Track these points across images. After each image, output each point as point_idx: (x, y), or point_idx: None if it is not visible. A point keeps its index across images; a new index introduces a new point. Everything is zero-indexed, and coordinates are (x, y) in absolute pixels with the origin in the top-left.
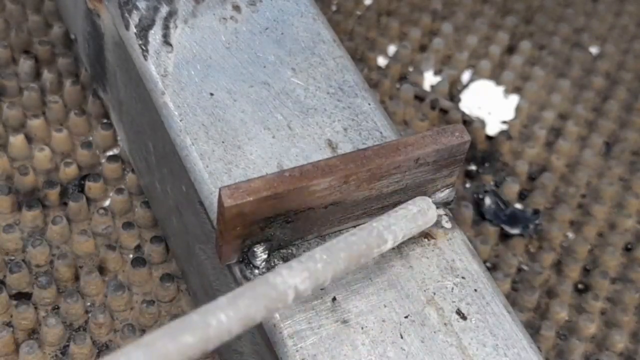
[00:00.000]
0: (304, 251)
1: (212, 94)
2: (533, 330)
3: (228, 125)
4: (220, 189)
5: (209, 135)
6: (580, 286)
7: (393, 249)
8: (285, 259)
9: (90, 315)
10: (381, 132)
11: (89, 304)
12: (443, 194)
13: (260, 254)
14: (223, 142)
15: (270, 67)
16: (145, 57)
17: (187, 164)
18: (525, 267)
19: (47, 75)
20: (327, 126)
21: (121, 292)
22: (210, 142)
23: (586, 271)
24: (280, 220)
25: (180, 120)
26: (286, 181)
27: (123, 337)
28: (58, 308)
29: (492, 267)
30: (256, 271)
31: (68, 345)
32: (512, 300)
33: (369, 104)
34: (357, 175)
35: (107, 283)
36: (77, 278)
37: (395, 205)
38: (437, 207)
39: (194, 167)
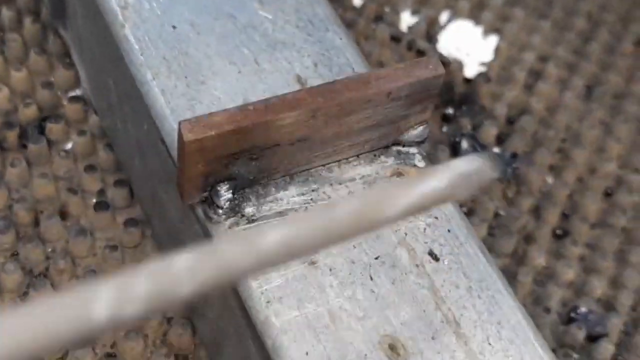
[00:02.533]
0: (272, 189)
1: (174, 27)
2: (510, 276)
3: (191, 60)
4: (180, 123)
5: (171, 70)
6: (558, 232)
7: (364, 188)
8: (249, 199)
9: (51, 261)
10: (353, 68)
11: (49, 249)
12: (416, 132)
13: (225, 193)
14: (186, 77)
15: None
16: None
17: (148, 101)
18: (502, 212)
19: (6, 13)
20: (296, 61)
21: (83, 238)
22: (173, 77)
23: (565, 216)
24: (245, 157)
25: (141, 55)
26: (250, 115)
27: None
28: (17, 254)
29: (468, 212)
30: (220, 211)
31: (28, 292)
32: (489, 245)
33: (341, 39)
34: (326, 110)
35: (69, 228)
36: (37, 223)
37: (366, 143)
38: (411, 146)
39: (155, 103)
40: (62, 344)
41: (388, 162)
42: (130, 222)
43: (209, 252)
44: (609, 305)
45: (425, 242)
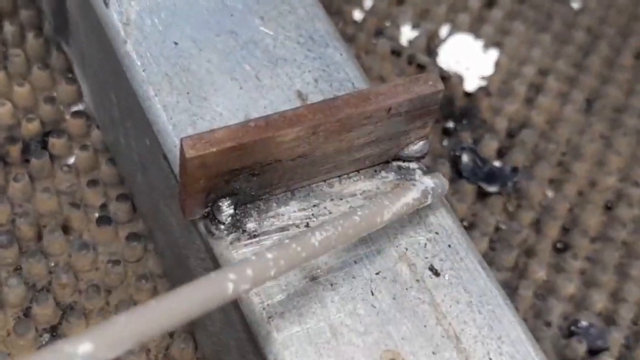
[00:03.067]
0: (273, 204)
1: (176, 43)
2: (510, 290)
3: (193, 76)
4: (181, 140)
5: (173, 86)
6: (559, 245)
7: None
8: (251, 215)
9: (53, 275)
10: (353, 84)
11: (52, 264)
12: (416, 147)
13: (226, 208)
14: (188, 93)
15: (237, 15)
16: (106, 5)
17: (150, 116)
18: (503, 226)
19: (9, 28)
20: (297, 77)
21: (86, 252)
22: (175, 93)
23: (565, 230)
24: (246, 173)
25: (143, 71)
26: (251, 131)
27: (88, 298)
28: (20, 268)
29: (470, 226)
30: (222, 226)
31: (31, 307)
32: (490, 259)
33: (341, 54)
34: (326, 126)
35: (72, 242)
36: (40, 237)
37: (366, 159)
38: (411, 161)
39: (157, 119)
40: (208, 310)
41: (388, 177)
42: (132, 237)
43: (284, 246)
44: (609, 319)
45: (426, 258)
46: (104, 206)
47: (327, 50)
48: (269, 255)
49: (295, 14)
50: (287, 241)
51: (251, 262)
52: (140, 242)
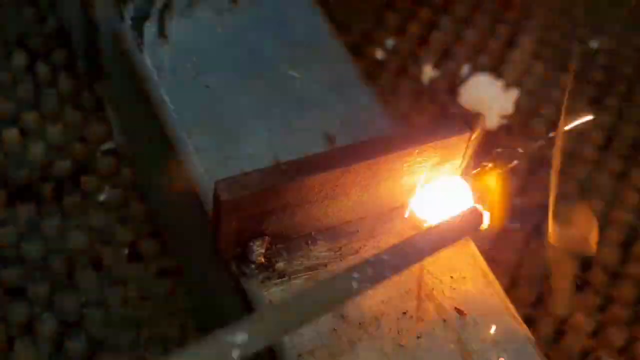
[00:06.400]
0: (302, 244)
1: (207, 87)
2: (530, 325)
3: (224, 119)
4: (215, 183)
5: (205, 129)
6: (578, 282)
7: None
8: (281, 255)
9: (85, 311)
10: (379, 126)
11: (83, 299)
12: None
13: (257, 248)
14: (219, 135)
15: (267, 59)
16: (140, 50)
17: (182, 158)
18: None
19: (42, 68)
20: (325, 119)
21: (116, 288)
22: (206, 135)
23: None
24: (277, 214)
25: (176, 114)
26: (283, 175)
27: (118, 333)
28: (52, 304)
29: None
30: (252, 266)
31: (62, 342)
32: (512, 296)
33: (367, 97)
34: (354, 169)
35: (102, 278)
36: (71, 273)
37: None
38: None
39: (189, 160)
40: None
41: None
42: (162, 273)
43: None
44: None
45: (452, 297)
46: (133, 242)
47: (354, 93)
48: (385, 257)
49: (322, 58)
50: (399, 245)
51: (371, 263)
52: (170, 278)
